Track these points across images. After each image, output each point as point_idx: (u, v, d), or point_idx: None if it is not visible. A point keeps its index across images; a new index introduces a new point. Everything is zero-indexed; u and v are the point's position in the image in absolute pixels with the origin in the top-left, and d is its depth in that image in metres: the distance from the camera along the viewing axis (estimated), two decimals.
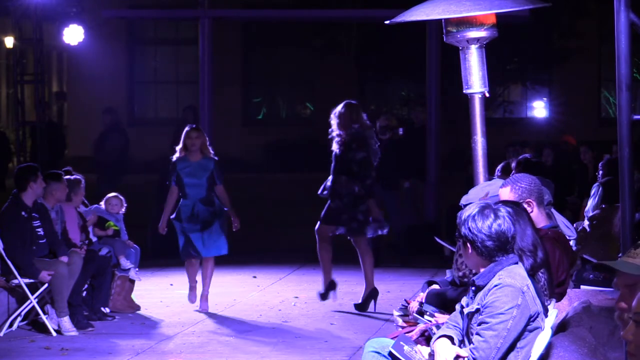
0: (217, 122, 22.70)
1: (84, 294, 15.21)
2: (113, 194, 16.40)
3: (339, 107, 16.33)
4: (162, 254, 19.42)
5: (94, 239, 15.83)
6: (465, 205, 8.79)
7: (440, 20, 10.68)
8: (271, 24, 29.18)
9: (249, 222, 22.99)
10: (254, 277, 18.45)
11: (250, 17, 26.82)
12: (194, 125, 16.20)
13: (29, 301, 14.52)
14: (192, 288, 15.76)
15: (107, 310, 15.33)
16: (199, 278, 15.89)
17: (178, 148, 15.68)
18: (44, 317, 14.49)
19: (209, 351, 13.37)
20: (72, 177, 15.80)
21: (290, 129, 30.19)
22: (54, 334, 14.25)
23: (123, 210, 16.35)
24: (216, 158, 15.76)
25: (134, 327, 14.73)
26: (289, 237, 22.16)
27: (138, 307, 15.68)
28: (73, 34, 22.62)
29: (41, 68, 29.52)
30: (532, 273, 8.01)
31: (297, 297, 16.67)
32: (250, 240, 21.76)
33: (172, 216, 15.71)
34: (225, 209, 15.78)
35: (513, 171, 12.97)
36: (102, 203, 16.23)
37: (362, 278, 15.91)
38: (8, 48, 45.34)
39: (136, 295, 15.82)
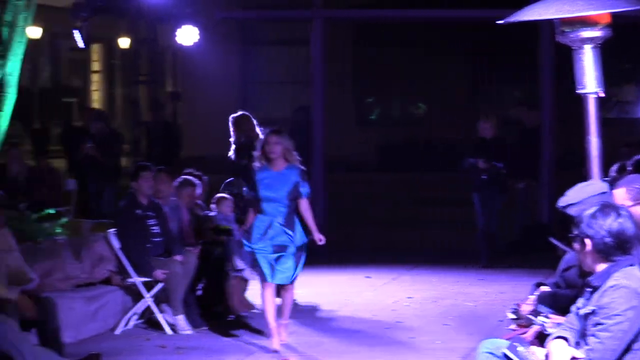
0: (330, 122, 22.72)
1: (199, 293, 15.34)
2: (223, 195, 16.48)
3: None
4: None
5: None
6: (564, 207, 8.73)
7: (553, 20, 10.62)
8: (384, 23, 29.17)
9: (362, 222, 23.06)
10: (368, 277, 18.47)
11: (362, 17, 26.83)
12: (274, 128, 13.42)
13: (144, 300, 14.68)
14: (273, 330, 13.31)
15: (222, 309, 15.42)
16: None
17: (256, 155, 13.45)
18: (159, 315, 14.64)
19: (322, 350, 13.42)
20: (186, 178, 15.93)
21: (402, 129, 30.15)
22: (170, 332, 14.40)
23: (232, 208, 16.39)
24: (302, 167, 13.34)
25: (248, 326, 14.80)
26: (402, 237, 22.10)
27: (252, 307, 15.74)
28: (187, 35, 22.78)
29: (155, 68, 29.79)
30: None
31: (410, 297, 16.66)
32: (363, 239, 21.81)
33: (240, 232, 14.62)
34: (305, 240, 13.41)
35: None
36: (213, 205, 16.33)
37: (478, 279, 15.82)
38: (123, 49, 45.84)
39: (250, 295, 15.89)
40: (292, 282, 13.37)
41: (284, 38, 29.66)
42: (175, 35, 23.06)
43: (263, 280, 13.19)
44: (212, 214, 16.07)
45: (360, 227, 22.60)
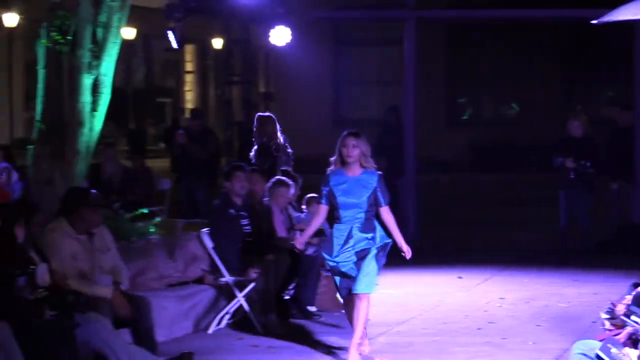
0: (421, 122, 22.67)
1: (291, 292, 15.37)
2: (313, 195, 16.49)
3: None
4: None
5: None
6: None
7: None
8: (476, 23, 29.11)
9: (455, 222, 23.02)
10: (460, 277, 18.42)
11: (455, 17, 26.79)
12: (352, 130, 12.62)
13: (236, 299, 14.74)
14: (361, 337, 12.74)
15: (314, 309, 15.45)
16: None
17: (333, 159, 12.61)
18: (251, 315, 14.69)
19: (413, 351, 13.40)
20: (280, 178, 15.97)
21: (495, 130, 30.09)
22: (262, 332, 14.44)
23: None
24: (379, 172, 12.61)
25: (340, 326, 14.82)
26: (495, 238, 22.04)
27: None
28: (280, 35, 22.82)
29: (248, 69, 29.91)
30: None
31: (503, 298, 16.60)
32: (456, 240, 21.77)
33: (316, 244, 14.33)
34: (387, 240, 12.72)
35: None
36: (304, 206, 16.36)
37: (572, 280, 15.72)
38: (216, 49, 46.09)
39: None
40: (369, 293, 12.55)
41: (375, 38, 29.68)
42: (268, 36, 23.11)
43: (347, 294, 12.62)
44: (302, 215, 16.11)
45: (445, 227, 22.55)
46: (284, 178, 16.01)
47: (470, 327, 14.73)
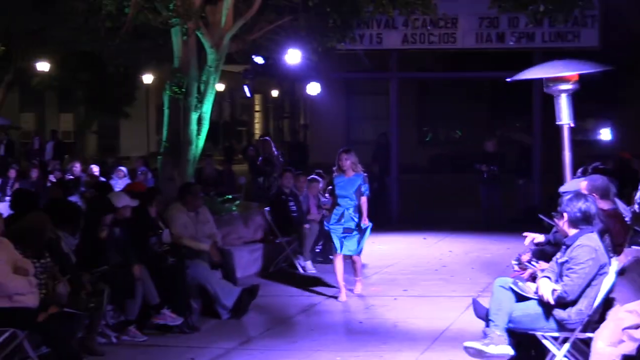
0: (400, 142, 22.55)
1: (320, 247, 15.31)
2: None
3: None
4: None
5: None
6: (564, 192, 8.66)
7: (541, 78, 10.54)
8: (434, 80, 29.07)
9: (422, 205, 22.81)
10: (424, 238, 18.25)
11: (421, 77, 26.83)
12: (345, 148, 12.60)
13: (286, 251, 14.72)
14: (341, 287, 12.36)
15: (332, 257, 15.38)
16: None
17: (334, 167, 12.38)
18: (295, 261, 14.66)
19: (397, 284, 13.36)
20: (314, 177, 15.91)
21: (446, 147, 30.08)
22: (302, 271, 14.42)
23: None
24: (364, 174, 12.37)
25: (350, 268, 14.73)
26: (446, 214, 21.75)
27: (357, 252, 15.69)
28: (313, 88, 22.81)
29: (293, 109, 29.89)
30: (600, 236, 7.88)
31: (451, 251, 16.49)
32: (422, 215, 21.54)
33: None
34: (363, 222, 12.20)
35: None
36: (327, 194, 16.30)
37: (493, 240, 15.54)
38: (274, 97, 46.14)
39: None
40: (358, 254, 12.39)
41: (371, 89, 29.55)
42: (305, 88, 23.10)
43: (335, 251, 12.33)
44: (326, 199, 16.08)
45: (416, 207, 22.38)
46: (316, 176, 15.93)
47: (430, 269, 14.66)
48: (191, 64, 14.40)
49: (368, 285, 13.23)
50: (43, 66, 32.18)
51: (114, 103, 38.92)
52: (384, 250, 16.61)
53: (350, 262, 12.54)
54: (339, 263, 12.28)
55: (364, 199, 12.18)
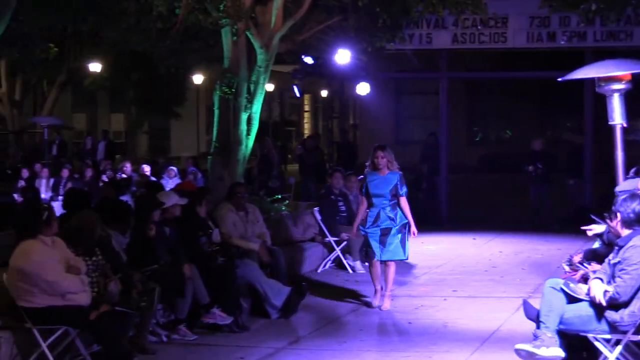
0: (450, 142, 22.42)
1: None
2: None
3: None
4: (417, 222, 19.31)
5: None
6: (620, 192, 8.57)
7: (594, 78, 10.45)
8: (483, 80, 28.93)
9: (471, 204, 22.69)
10: (474, 238, 18.15)
11: (470, 77, 26.68)
12: (380, 144, 11.70)
13: (335, 251, 14.70)
14: (376, 291, 11.60)
15: None
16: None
17: (367, 163, 11.66)
18: (344, 261, 14.64)
19: (446, 284, 13.28)
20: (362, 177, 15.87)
21: (496, 147, 29.91)
22: (350, 271, 14.38)
23: None
24: (400, 172, 11.56)
25: (399, 268, 14.64)
26: (496, 214, 21.62)
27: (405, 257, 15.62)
28: (362, 88, 22.79)
29: (343, 109, 29.86)
30: None
31: (501, 252, 16.36)
32: (472, 215, 21.40)
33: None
34: (405, 221, 11.39)
35: None
36: None
37: (544, 240, 15.40)
38: (323, 97, 46.17)
39: None
40: (395, 260, 11.44)
41: (420, 89, 29.44)
42: (355, 88, 23.08)
43: (372, 257, 11.39)
44: None
45: (465, 207, 22.20)
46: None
47: (480, 269, 14.55)
48: (241, 64, 14.46)
49: (417, 285, 13.19)
50: (95, 67, 32.55)
51: (164, 103, 39.26)
52: (433, 251, 16.54)
53: (382, 270, 11.54)
54: (377, 269, 11.47)
55: (403, 200, 11.43)
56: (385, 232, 11.25)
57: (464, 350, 9.37)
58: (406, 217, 11.37)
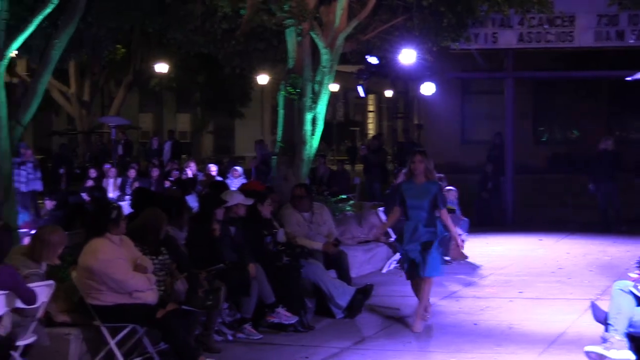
0: (516, 142, 22.22)
1: None
2: (450, 187, 16.24)
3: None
4: (482, 223, 19.28)
5: None
6: None
7: None
8: (551, 79, 28.58)
9: (538, 205, 22.46)
10: (540, 239, 17.98)
11: (537, 77, 26.38)
12: (420, 149, 10.99)
13: (400, 251, 14.62)
14: (420, 314, 10.45)
15: (448, 258, 15.28)
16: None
17: (404, 171, 10.91)
18: (443, 252, 14.51)
19: (512, 285, 13.16)
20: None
21: (562, 146, 29.60)
22: None
23: (455, 196, 16.21)
24: (440, 183, 10.79)
25: (464, 269, 14.63)
26: (564, 215, 21.41)
27: (466, 257, 15.56)
28: (427, 88, 22.71)
29: (407, 109, 29.76)
30: None
31: (568, 253, 16.17)
32: (539, 216, 21.19)
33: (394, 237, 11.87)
34: (445, 233, 10.42)
35: None
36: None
37: (612, 242, 15.20)
38: (388, 97, 46.08)
39: (465, 250, 15.71)
40: (433, 276, 10.40)
41: (486, 89, 29.23)
42: (419, 88, 23.00)
43: (414, 275, 10.41)
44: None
45: (532, 208, 22.00)
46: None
47: (546, 271, 14.39)
48: (305, 64, 14.49)
49: (483, 286, 13.10)
50: (161, 67, 32.93)
51: (229, 104, 39.56)
52: (498, 251, 16.42)
53: (415, 287, 10.59)
54: (415, 284, 10.51)
55: (444, 213, 10.44)
56: (426, 246, 10.20)
57: (530, 352, 9.27)
58: (448, 231, 10.47)
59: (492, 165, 21.74)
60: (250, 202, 10.81)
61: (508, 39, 20.42)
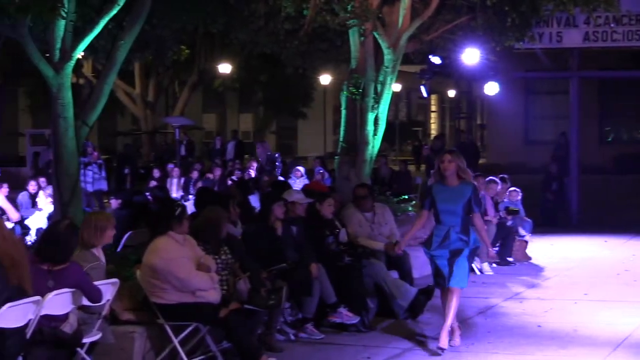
0: (581, 142, 21.98)
1: (497, 248, 15.00)
2: (514, 188, 16.14)
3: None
4: (546, 224, 19.10)
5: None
6: None
7: None
8: (615, 79, 28.21)
9: (603, 206, 22.17)
10: (605, 241, 17.73)
11: (601, 76, 26.08)
12: (450, 149, 10.38)
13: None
14: (447, 329, 9.51)
15: (511, 259, 15.17)
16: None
17: (432, 172, 9.79)
18: (472, 263, 14.47)
19: (577, 286, 13.00)
20: (492, 178, 15.67)
21: (629, 146, 29.22)
22: (478, 273, 14.23)
23: (519, 197, 16.09)
24: (474, 183, 9.59)
25: (528, 270, 14.51)
26: (631, 216, 21.09)
27: (530, 258, 15.43)
28: (491, 88, 22.52)
29: (471, 109, 29.59)
30: None
31: (634, 255, 15.95)
32: (604, 217, 20.92)
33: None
34: (478, 244, 9.49)
35: None
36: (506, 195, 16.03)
37: None
38: (450, 97, 45.87)
39: (529, 251, 15.58)
40: (460, 287, 9.45)
41: (550, 88, 29.00)
42: (483, 88, 22.83)
43: (442, 284, 9.50)
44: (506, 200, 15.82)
45: (597, 209, 21.74)
46: (494, 177, 15.71)
47: (612, 273, 14.19)
48: (368, 64, 14.48)
49: (547, 288, 12.97)
50: (225, 68, 33.18)
51: (292, 104, 39.70)
52: (563, 253, 16.25)
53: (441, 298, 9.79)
54: (448, 298, 9.50)
55: (478, 217, 9.51)
56: (455, 254, 9.33)
57: (595, 355, 9.16)
58: (481, 240, 9.58)
59: (556, 166, 21.52)
60: (307, 200, 10.83)
61: (573, 38, 20.18)
